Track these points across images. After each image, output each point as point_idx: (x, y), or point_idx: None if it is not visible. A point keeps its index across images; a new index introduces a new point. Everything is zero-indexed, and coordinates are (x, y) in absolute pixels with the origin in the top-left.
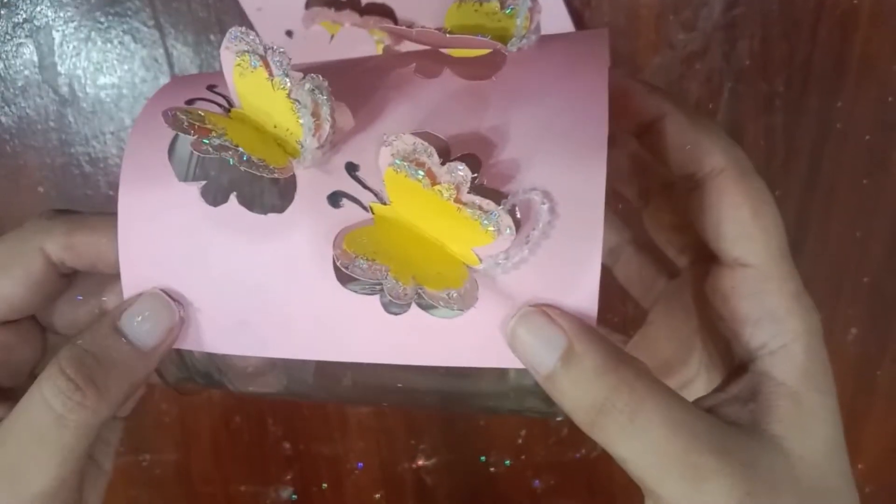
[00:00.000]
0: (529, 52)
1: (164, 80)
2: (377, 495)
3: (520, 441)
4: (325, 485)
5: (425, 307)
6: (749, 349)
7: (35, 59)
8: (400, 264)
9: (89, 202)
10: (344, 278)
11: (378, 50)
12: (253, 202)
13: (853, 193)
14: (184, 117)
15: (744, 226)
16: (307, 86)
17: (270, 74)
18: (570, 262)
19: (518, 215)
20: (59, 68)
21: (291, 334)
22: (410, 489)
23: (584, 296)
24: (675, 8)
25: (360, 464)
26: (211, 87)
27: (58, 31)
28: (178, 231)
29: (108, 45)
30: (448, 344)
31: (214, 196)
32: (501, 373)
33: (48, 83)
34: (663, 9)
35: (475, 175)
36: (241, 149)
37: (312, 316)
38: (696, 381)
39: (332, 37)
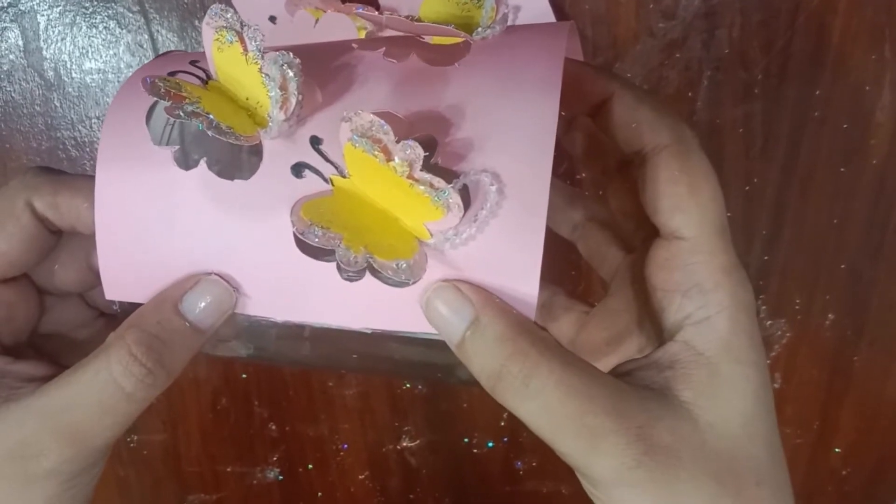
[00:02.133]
0: (494, 41)
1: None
2: (362, 476)
3: (502, 423)
4: (310, 465)
5: (378, 277)
6: (676, 319)
7: (20, 43)
8: (354, 234)
9: None
10: (303, 245)
11: (360, 36)
12: (221, 168)
13: (831, 181)
14: (161, 84)
15: (680, 199)
16: (278, 61)
17: (245, 49)
18: (516, 242)
19: (469, 195)
20: (44, 53)
21: (253, 294)
22: (395, 469)
23: (527, 274)
24: None
25: (346, 445)
26: (193, 62)
27: (43, 15)
28: (151, 191)
29: (93, 30)
30: (397, 310)
31: (186, 160)
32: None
33: (33, 67)
34: None
35: (428, 154)
36: (211, 116)
37: (273, 278)
38: (645, 351)
39: (317, 21)
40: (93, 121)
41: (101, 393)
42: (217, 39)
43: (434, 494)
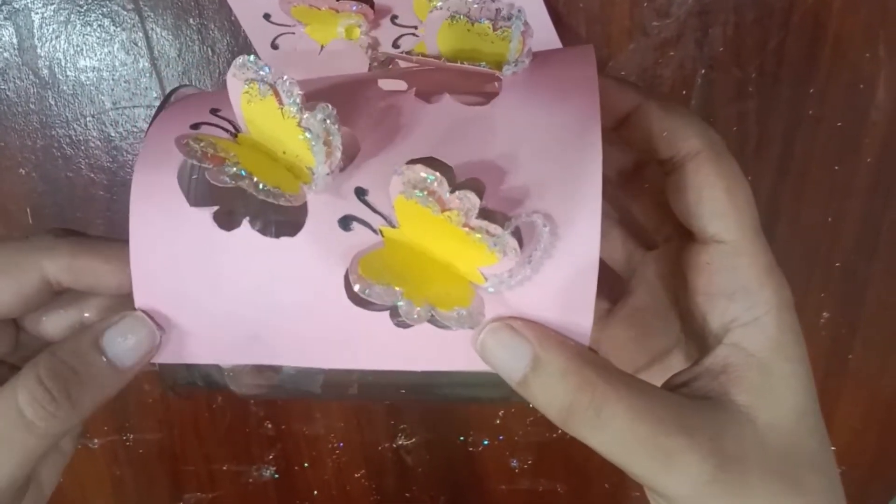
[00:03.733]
0: (523, 74)
1: (144, 63)
2: (358, 474)
3: (498, 422)
4: (306, 464)
5: (433, 322)
6: (723, 322)
7: (14, 41)
8: (411, 286)
9: (70, 184)
10: (354, 297)
11: (364, 63)
12: (266, 227)
13: (825, 179)
14: (196, 146)
15: (719, 204)
16: (318, 115)
17: (280, 103)
18: (570, 280)
19: (521, 237)
20: (38, 51)
21: (303, 348)
22: (391, 468)
23: (581, 312)
24: None
25: (341, 443)
26: (214, 111)
27: (37, 13)
28: (191, 255)
29: (88, 28)
30: (448, 350)
31: (227, 221)
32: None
33: (28, 66)
34: None
35: (483, 202)
36: (255, 178)
37: (324, 332)
38: (676, 349)
39: (322, 48)
40: (87, 119)
41: (1, 419)
42: (247, 92)
43: (430, 493)
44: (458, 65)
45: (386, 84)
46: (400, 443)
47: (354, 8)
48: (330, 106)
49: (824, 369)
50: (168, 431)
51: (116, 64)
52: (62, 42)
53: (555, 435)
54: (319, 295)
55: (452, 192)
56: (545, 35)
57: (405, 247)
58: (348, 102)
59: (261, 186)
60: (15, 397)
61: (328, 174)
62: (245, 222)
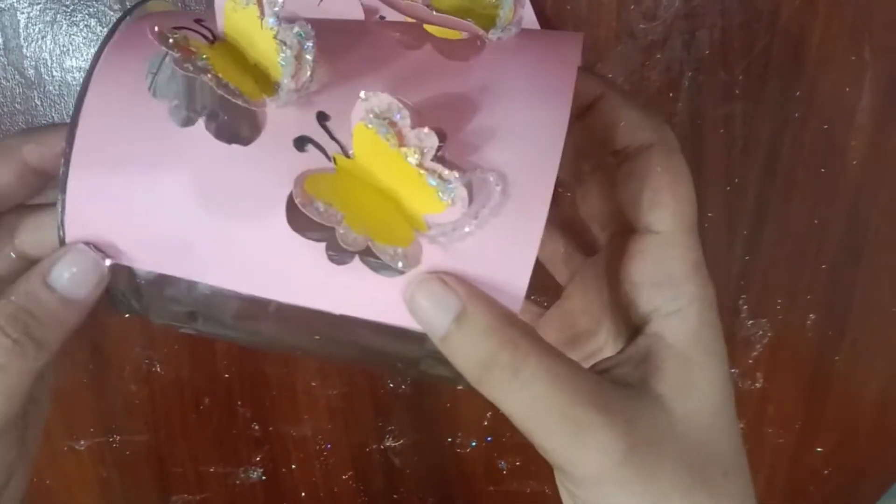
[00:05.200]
0: (508, 42)
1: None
2: (346, 476)
3: (486, 423)
4: (294, 465)
5: (367, 263)
6: (646, 311)
7: (0, 41)
8: (354, 215)
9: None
10: (294, 220)
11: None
12: (220, 131)
13: (811, 181)
14: (170, 36)
15: (659, 194)
16: (295, 29)
17: (262, 13)
18: (512, 243)
19: (471, 192)
20: (24, 51)
21: (233, 265)
22: (379, 469)
23: (518, 275)
24: None
25: (329, 445)
26: (197, 21)
27: (23, 13)
28: (140, 142)
29: (74, 29)
30: (377, 299)
31: (183, 117)
32: (421, 337)
33: (14, 66)
34: None
35: (441, 144)
36: (220, 75)
37: (257, 250)
38: (604, 351)
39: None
40: None
41: None
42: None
43: (418, 494)
44: (447, 16)
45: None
46: (388, 444)
47: None
48: (309, 25)
49: (812, 371)
50: (155, 433)
51: None
52: (48, 42)
53: None
54: (259, 210)
55: (413, 129)
56: None
57: (355, 179)
58: (332, 35)
59: (223, 83)
60: None
61: (294, 90)
62: (200, 122)
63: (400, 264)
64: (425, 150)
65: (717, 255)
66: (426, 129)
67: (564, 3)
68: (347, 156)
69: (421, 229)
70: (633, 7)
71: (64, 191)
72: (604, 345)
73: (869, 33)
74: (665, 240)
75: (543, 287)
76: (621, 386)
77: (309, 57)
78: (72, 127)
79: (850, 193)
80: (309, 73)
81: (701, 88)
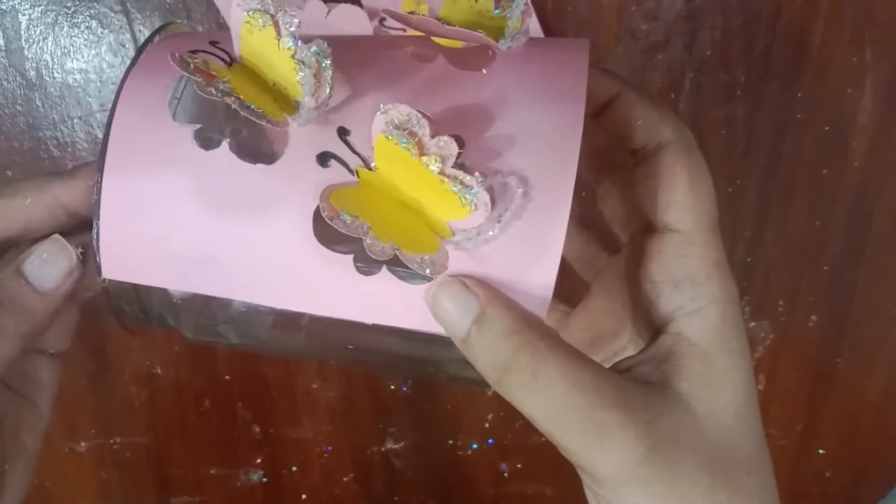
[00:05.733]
0: (518, 51)
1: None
2: (346, 478)
3: (487, 425)
4: (294, 468)
5: (395, 272)
6: (668, 310)
7: (1, 43)
8: (380, 225)
9: None
10: (321, 234)
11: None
12: (244, 152)
13: (813, 183)
14: (190, 60)
15: (678, 194)
16: (312, 48)
17: (279, 34)
18: (536, 245)
19: (494, 196)
20: (25, 52)
21: (260, 280)
22: (379, 472)
23: (544, 276)
24: None
25: (329, 447)
26: (213, 43)
27: (24, 14)
28: (166, 166)
29: (75, 30)
30: (406, 307)
31: (207, 141)
32: (450, 342)
33: (15, 67)
34: None
35: (461, 151)
36: (242, 97)
37: (285, 265)
38: (627, 350)
39: (329, 12)
40: (74, 121)
41: None
42: (248, 21)
43: (418, 496)
44: (458, 29)
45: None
46: (388, 446)
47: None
48: (325, 43)
49: (813, 373)
50: (155, 435)
51: (104, 66)
52: (49, 44)
53: (544, 439)
54: (286, 226)
55: (433, 137)
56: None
57: (379, 190)
58: (346, 50)
59: (247, 105)
60: None
61: (314, 108)
62: (224, 143)
63: (428, 271)
64: (446, 158)
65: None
66: (446, 137)
67: (565, 4)
68: (370, 168)
69: (446, 236)
70: (634, 8)
71: (97, 222)
72: (627, 344)
73: (870, 34)
74: (685, 239)
75: (570, 286)
76: (643, 385)
77: (327, 74)
78: (100, 162)
79: (851, 195)
80: (328, 90)
81: (702, 90)
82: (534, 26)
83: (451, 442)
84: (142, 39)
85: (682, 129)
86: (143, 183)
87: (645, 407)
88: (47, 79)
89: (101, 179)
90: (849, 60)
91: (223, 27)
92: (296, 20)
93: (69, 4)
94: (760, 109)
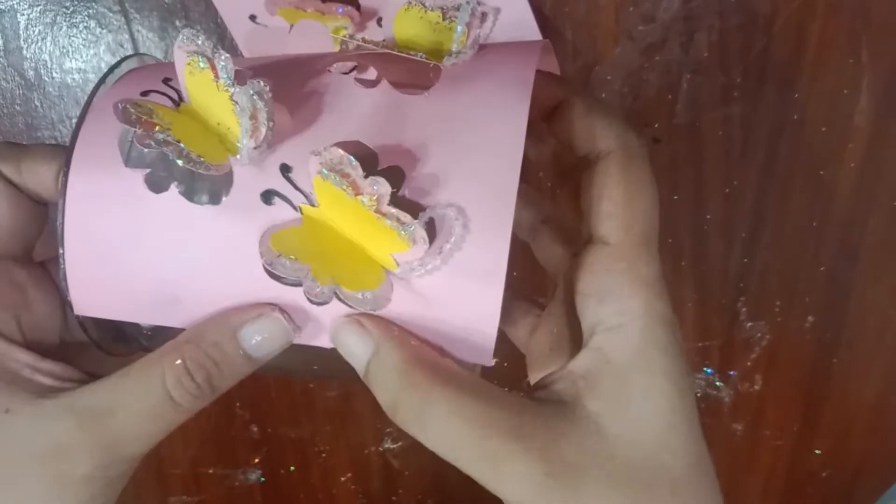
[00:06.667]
0: (465, 65)
1: (131, 64)
2: (344, 478)
3: None
4: (292, 468)
5: (344, 302)
6: (590, 324)
7: (0, 43)
8: (321, 263)
9: None
10: (269, 271)
11: (336, 41)
12: (191, 193)
13: (809, 183)
14: (133, 110)
15: (613, 205)
16: (248, 90)
17: (216, 76)
18: (478, 274)
19: (435, 227)
20: (24, 52)
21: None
22: (377, 471)
23: (489, 304)
24: None
25: (327, 447)
26: (166, 81)
27: (23, 14)
28: (120, 211)
29: (74, 30)
30: None
31: (157, 184)
32: None
33: (14, 67)
34: (623, 0)
35: (395, 190)
36: (181, 144)
37: (241, 300)
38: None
39: (291, 27)
40: (73, 120)
41: (150, 398)
42: (189, 64)
43: (416, 496)
44: (396, 52)
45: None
46: (386, 446)
47: (340, 10)
48: (262, 82)
49: (809, 373)
50: None
51: (102, 66)
52: (48, 44)
53: None
54: (237, 264)
55: (366, 177)
56: (530, 39)
57: (322, 226)
58: (290, 80)
59: (184, 153)
60: (162, 379)
61: (254, 148)
62: (173, 187)
63: (369, 307)
64: (381, 196)
65: (715, 257)
66: (379, 178)
67: (563, 5)
68: (313, 204)
69: (390, 267)
70: (631, 9)
71: (63, 265)
72: (577, 351)
73: (866, 36)
74: (614, 252)
75: (552, 290)
76: (551, 404)
77: (264, 115)
78: (62, 206)
79: (847, 195)
80: (266, 129)
81: (699, 91)
82: (530, 26)
83: None
84: (140, 39)
85: (628, 138)
86: (101, 227)
87: (545, 431)
88: (46, 79)
89: (63, 223)
90: (845, 62)
91: (221, 27)
92: (230, 63)
93: (67, 4)
94: (757, 110)
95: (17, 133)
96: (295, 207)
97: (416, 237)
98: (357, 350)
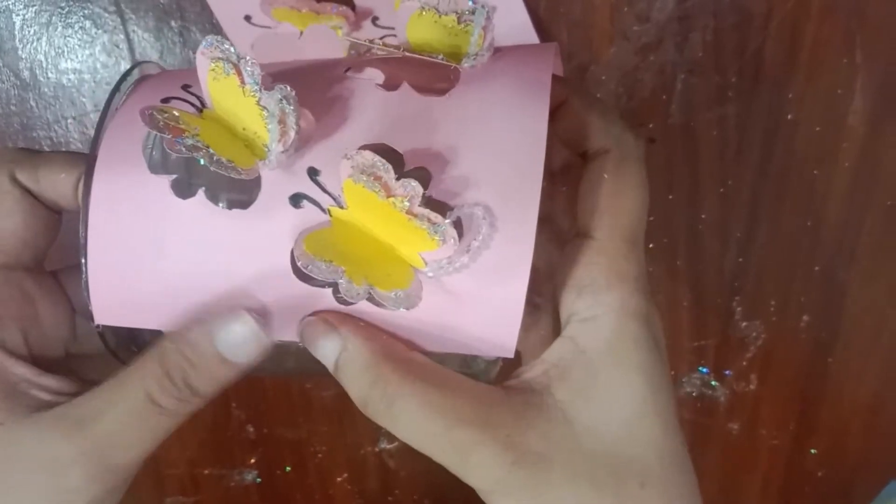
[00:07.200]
0: (482, 67)
1: (125, 65)
2: (340, 478)
3: None
4: (288, 468)
5: (372, 301)
6: (566, 315)
7: None
8: (354, 265)
9: None
10: (299, 272)
11: (342, 48)
12: (219, 198)
13: (804, 183)
14: (159, 116)
15: (601, 200)
16: (276, 95)
17: (242, 82)
18: (504, 270)
19: (462, 226)
20: (19, 53)
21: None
22: (373, 472)
23: (513, 300)
24: None
25: (324, 447)
26: (185, 87)
27: (18, 15)
28: (147, 219)
29: (69, 30)
30: (394, 331)
31: (183, 189)
32: (462, 358)
33: (9, 67)
34: (618, 0)
35: (426, 191)
36: (211, 149)
37: (269, 304)
38: None
39: (301, 34)
40: (68, 121)
41: (133, 401)
42: (213, 69)
43: (413, 496)
44: (417, 55)
45: (363, 73)
46: (382, 446)
47: (335, 10)
48: (289, 87)
49: (805, 373)
50: None
51: (98, 66)
52: (43, 44)
53: None
54: (266, 268)
55: (398, 179)
56: (527, 40)
57: (351, 228)
58: (312, 85)
59: (214, 158)
60: (144, 386)
61: (282, 152)
62: (200, 192)
63: (402, 306)
64: (412, 198)
65: (710, 257)
66: (411, 180)
67: (558, 5)
68: (341, 207)
69: (419, 266)
70: (626, 9)
71: (86, 275)
72: None
73: (860, 36)
74: (596, 246)
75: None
76: (520, 393)
77: (292, 119)
78: (84, 216)
79: (842, 195)
80: (294, 133)
81: (694, 91)
82: (526, 26)
83: None
84: (136, 40)
85: (624, 138)
86: (126, 236)
87: (511, 420)
88: (41, 79)
89: (87, 234)
90: (840, 62)
91: (216, 27)
92: (258, 69)
93: (63, 5)
94: (752, 110)
95: (13, 134)
96: (324, 210)
97: (447, 236)
98: (326, 347)
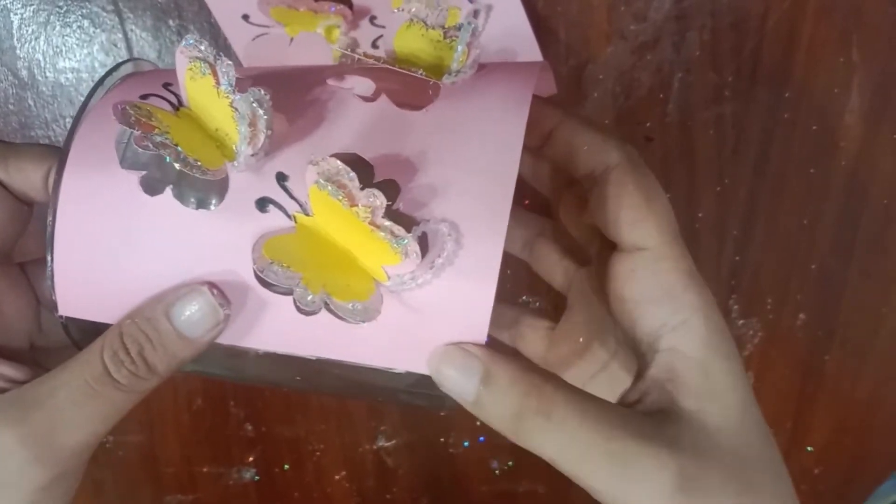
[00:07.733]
0: (464, 83)
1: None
2: (338, 476)
3: (478, 423)
4: (287, 466)
5: (333, 312)
6: (653, 328)
7: None
8: (313, 273)
9: None
10: (260, 278)
11: (335, 56)
12: (186, 197)
13: (801, 182)
14: (132, 112)
15: (639, 211)
16: (249, 98)
17: (217, 83)
18: (468, 291)
19: (427, 241)
20: (18, 52)
21: None
22: (371, 470)
23: (477, 321)
24: None
25: (322, 445)
26: (166, 85)
27: (16, 14)
28: (114, 213)
29: (67, 30)
30: (353, 344)
31: (152, 187)
32: (398, 374)
33: (7, 66)
34: None
35: (390, 203)
36: (179, 148)
37: (232, 306)
38: (615, 360)
39: (291, 40)
40: (66, 120)
41: (89, 372)
42: (190, 69)
43: (411, 494)
44: (397, 68)
45: (343, 82)
46: (380, 444)
47: (333, 9)
48: (262, 91)
49: (801, 371)
50: (148, 433)
51: (96, 65)
52: (41, 43)
53: None
54: (228, 270)
55: (363, 189)
56: (524, 39)
57: (315, 235)
58: (291, 90)
59: (181, 156)
60: (100, 359)
61: (251, 155)
62: (168, 190)
63: (359, 318)
64: (375, 209)
65: (707, 255)
66: (375, 190)
67: (555, 4)
68: (307, 213)
69: (381, 280)
70: (623, 9)
71: (51, 265)
72: (613, 355)
73: (857, 36)
74: (654, 255)
75: (555, 303)
76: (654, 414)
77: (263, 123)
78: (52, 210)
79: (839, 194)
80: (264, 137)
81: (691, 90)
82: (523, 25)
83: (442, 440)
84: (134, 39)
85: (627, 148)
86: (93, 229)
87: (662, 433)
88: (39, 78)
89: (54, 225)
90: (836, 61)
91: (215, 27)
92: (232, 70)
93: (61, 4)
94: (749, 109)
95: (11, 132)
96: (289, 216)
97: (409, 251)
98: (464, 376)
